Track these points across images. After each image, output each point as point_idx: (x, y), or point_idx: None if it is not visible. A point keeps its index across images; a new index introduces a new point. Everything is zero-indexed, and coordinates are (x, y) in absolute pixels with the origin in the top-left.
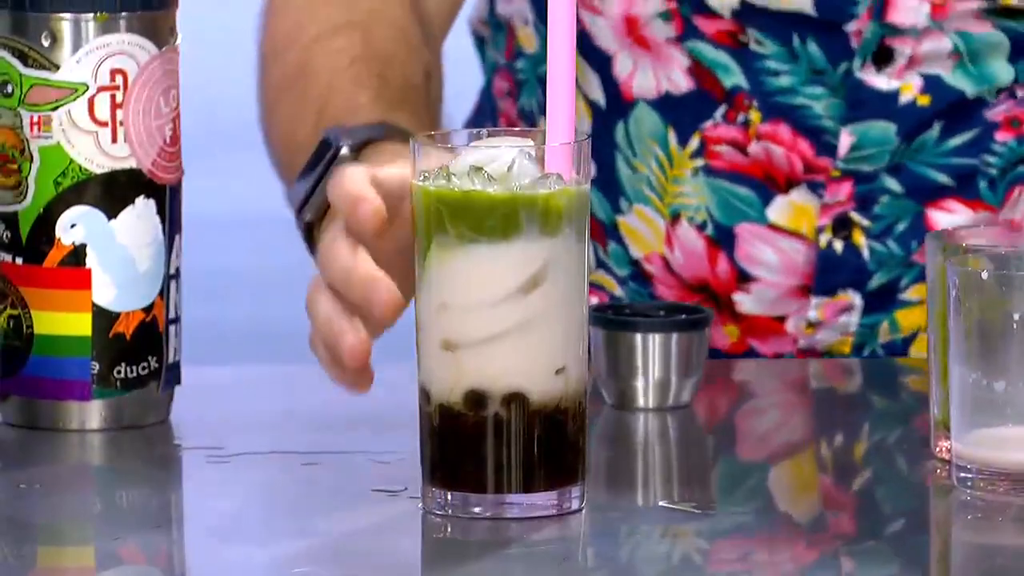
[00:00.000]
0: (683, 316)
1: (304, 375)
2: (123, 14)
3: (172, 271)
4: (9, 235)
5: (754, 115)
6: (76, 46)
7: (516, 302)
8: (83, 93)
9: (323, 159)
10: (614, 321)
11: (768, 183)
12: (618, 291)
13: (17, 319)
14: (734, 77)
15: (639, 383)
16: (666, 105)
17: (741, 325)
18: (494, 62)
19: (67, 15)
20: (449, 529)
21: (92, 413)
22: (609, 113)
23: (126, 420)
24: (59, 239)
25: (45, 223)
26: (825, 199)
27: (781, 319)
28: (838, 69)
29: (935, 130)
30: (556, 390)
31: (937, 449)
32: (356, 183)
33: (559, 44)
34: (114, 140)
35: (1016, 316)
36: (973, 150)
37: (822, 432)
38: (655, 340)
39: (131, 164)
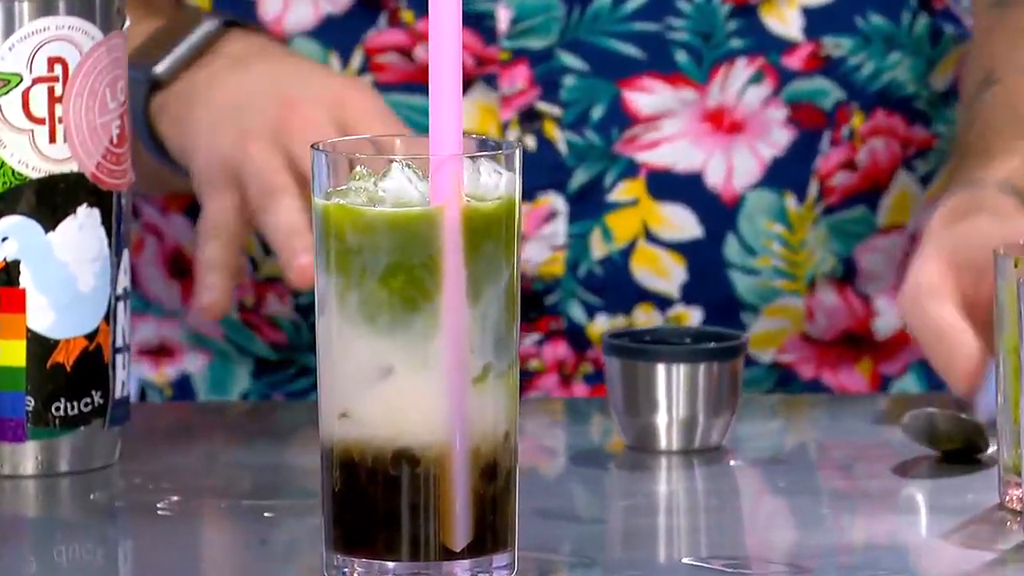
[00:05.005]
0: (712, 343)
1: (264, 411)
2: None
3: (119, 292)
4: None
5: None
6: (8, 31)
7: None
8: (16, 85)
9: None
10: (632, 349)
11: None
12: None
13: None
14: None
15: (661, 421)
16: None
17: None
18: None
19: None
20: None
21: (26, 456)
22: None
23: (66, 464)
24: None
25: None
26: (503, 90)
27: None
28: None
29: None
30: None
31: (1007, 498)
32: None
33: (445, 44)
34: (52, 140)
35: None
36: (655, 12)
37: (872, 478)
38: (679, 371)
39: (72, 167)
